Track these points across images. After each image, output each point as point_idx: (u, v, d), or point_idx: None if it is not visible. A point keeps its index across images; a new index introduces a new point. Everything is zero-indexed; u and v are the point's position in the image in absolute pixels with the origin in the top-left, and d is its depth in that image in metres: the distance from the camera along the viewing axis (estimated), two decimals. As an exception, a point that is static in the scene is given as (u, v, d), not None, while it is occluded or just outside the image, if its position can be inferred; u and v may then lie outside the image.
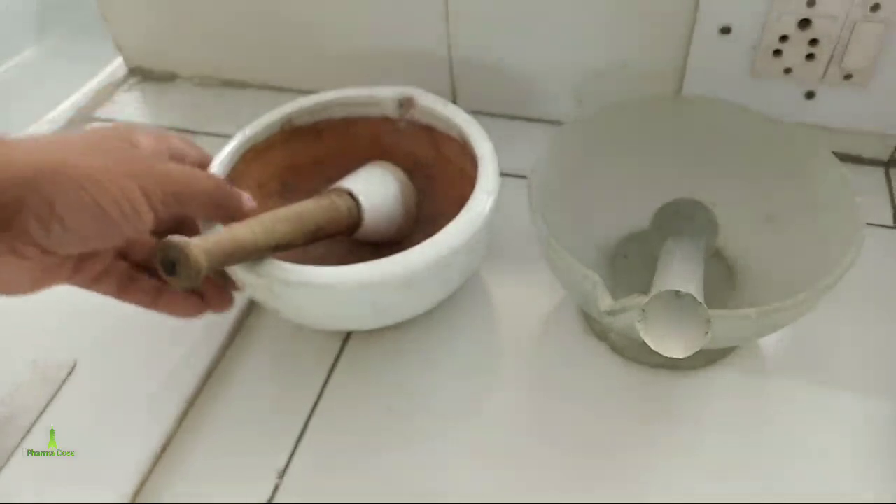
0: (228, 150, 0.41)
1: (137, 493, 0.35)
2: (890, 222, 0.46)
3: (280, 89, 0.61)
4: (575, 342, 0.40)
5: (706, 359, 0.39)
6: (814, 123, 0.49)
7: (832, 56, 0.45)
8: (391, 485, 0.35)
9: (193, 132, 0.57)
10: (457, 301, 0.41)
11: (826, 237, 0.35)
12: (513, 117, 0.55)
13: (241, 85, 0.62)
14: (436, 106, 0.41)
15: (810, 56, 0.46)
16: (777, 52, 0.46)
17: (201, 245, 0.30)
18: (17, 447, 0.36)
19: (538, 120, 0.55)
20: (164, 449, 0.36)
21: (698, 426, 0.37)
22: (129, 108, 0.62)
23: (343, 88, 0.43)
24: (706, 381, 0.39)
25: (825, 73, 0.46)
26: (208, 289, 0.37)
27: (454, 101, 0.49)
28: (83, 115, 0.61)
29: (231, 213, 0.36)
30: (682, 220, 0.40)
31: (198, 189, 0.34)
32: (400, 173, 0.42)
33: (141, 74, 0.65)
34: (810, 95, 0.48)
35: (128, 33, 0.63)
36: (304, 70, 0.57)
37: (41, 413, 0.38)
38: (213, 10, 0.56)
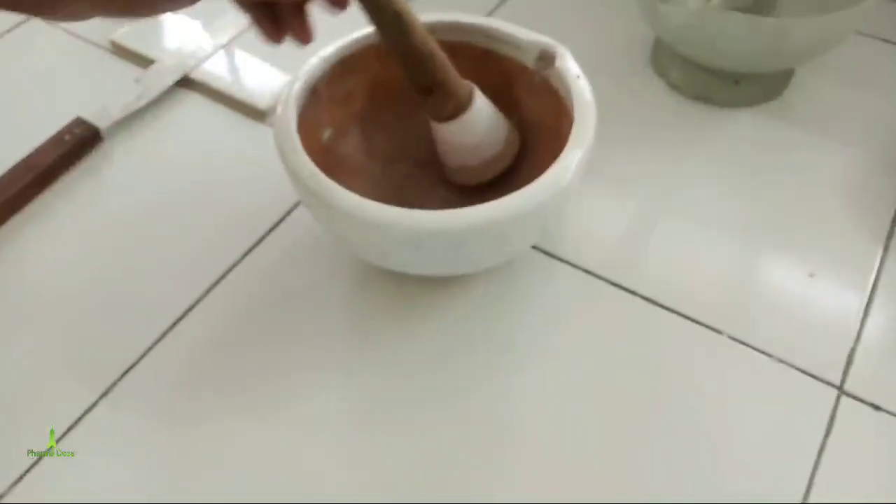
0: (352, 40, 0.43)
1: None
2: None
3: None
4: (639, 78, 0.54)
5: (744, 100, 0.51)
6: None
7: None
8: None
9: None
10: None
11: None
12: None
13: None
14: (569, 73, 0.40)
15: None
16: None
17: None
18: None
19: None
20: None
21: (719, 153, 0.49)
22: None
23: (489, 19, 0.43)
24: (739, 117, 0.51)
25: None
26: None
27: None
28: None
29: None
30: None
31: None
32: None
33: None
34: None
35: None
36: None
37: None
38: None
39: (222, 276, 0.43)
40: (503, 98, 0.44)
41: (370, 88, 0.45)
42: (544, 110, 0.42)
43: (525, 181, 0.36)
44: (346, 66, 0.43)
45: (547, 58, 0.41)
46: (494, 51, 0.43)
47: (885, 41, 0.56)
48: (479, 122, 0.40)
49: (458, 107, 0.39)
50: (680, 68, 0.52)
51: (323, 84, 0.42)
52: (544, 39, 0.41)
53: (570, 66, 0.40)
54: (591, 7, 0.60)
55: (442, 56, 0.38)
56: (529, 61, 0.42)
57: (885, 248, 0.44)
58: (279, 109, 0.39)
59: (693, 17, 0.45)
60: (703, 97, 0.51)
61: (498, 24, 0.43)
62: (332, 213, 0.36)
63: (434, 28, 0.42)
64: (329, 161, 0.42)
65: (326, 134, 0.43)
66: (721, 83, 0.51)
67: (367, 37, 0.43)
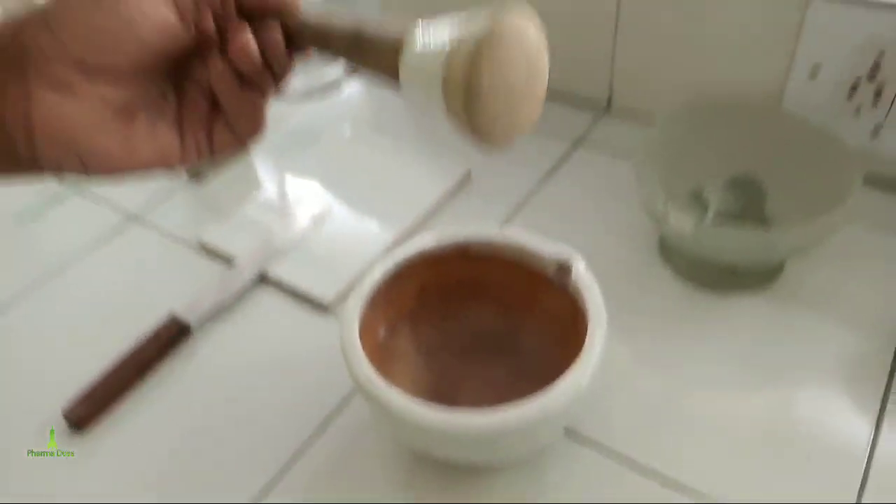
0: (404, 255, 0.51)
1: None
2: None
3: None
4: (648, 266, 0.61)
5: (743, 287, 0.58)
6: (881, 156, 0.65)
7: (892, 102, 0.62)
8: None
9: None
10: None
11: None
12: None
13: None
14: (584, 283, 0.47)
15: (876, 100, 0.63)
16: (850, 95, 0.64)
17: None
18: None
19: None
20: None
21: (726, 335, 0.55)
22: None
23: (516, 234, 0.51)
24: (740, 303, 0.58)
25: (887, 115, 0.63)
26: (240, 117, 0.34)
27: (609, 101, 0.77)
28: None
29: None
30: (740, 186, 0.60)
31: None
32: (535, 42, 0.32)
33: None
34: (875, 132, 0.65)
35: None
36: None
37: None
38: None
39: (287, 465, 0.50)
40: (529, 298, 0.52)
41: (419, 291, 0.53)
42: (564, 312, 0.49)
43: (549, 375, 0.43)
44: (400, 273, 0.51)
45: (564, 269, 0.49)
46: (520, 260, 0.51)
47: (871, 226, 0.63)
48: (441, 28, 0.32)
49: (399, 38, 0.33)
50: (684, 260, 0.60)
51: (381, 291, 0.50)
52: (562, 252, 0.49)
53: (584, 277, 0.48)
54: (603, 201, 0.68)
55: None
56: (550, 270, 0.50)
57: (877, 429, 0.49)
58: (344, 318, 0.47)
59: (690, 235, 0.52)
60: (706, 285, 0.58)
61: (523, 238, 0.51)
62: (384, 413, 0.43)
63: (473, 242, 0.52)
64: (383, 356, 0.50)
65: (381, 333, 0.51)
66: (721, 273, 0.58)
67: (419, 249, 0.51)
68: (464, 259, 0.52)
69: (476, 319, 0.54)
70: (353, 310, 0.48)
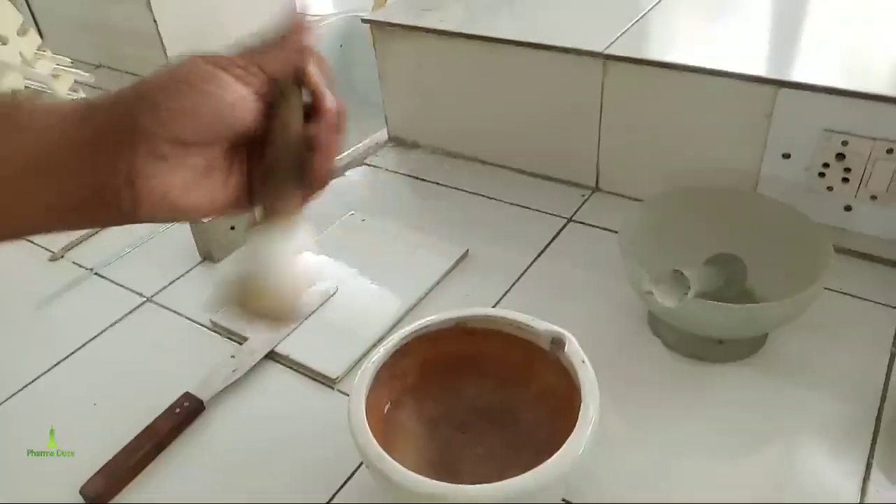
0: (407, 333, 0.54)
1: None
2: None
3: (485, 162, 0.93)
4: (638, 337, 0.65)
5: (729, 357, 0.61)
6: (855, 230, 0.70)
7: (860, 181, 0.67)
8: None
9: (423, 179, 0.92)
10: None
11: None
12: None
13: (460, 156, 0.96)
14: (577, 357, 0.50)
15: (845, 179, 0.67)
16: (821, 174, 0.68)
17: None
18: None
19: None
20: None
21: (714, 404, 0.58)
22: (385, 159, 0.98)
23: (512, 311, 0.55)
24: (726, 372, 0.61)
25: (856, 193, 0.67)
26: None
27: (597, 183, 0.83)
28: (356, 161, 0.98)
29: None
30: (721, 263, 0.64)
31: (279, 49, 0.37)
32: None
33: (395, 141, 1.01)
34: (848, 209, 0.69)
35: (394, 115, 1.00)
36: (502, 147, 0.91)
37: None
38: (447, 107, 0.94)
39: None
40: (525, 371, 0.55)
41: (421, 366, 0.56)
42: (558, 383, 0.52)
43: (546, 446, 0.45)
44: (403, 350, 0.54)
45: (558, 343, 0.52)
46: (517, 336, 0.54)
47: (849, 295, 0.67)
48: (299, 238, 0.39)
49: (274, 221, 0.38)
50: (672, 332, 0.63)
51: (385, 368, 0.53)
52: (555, 328, 0.52)
53: (576, 351, 0.51)
54: (594, 275, 0.72)
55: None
56: (545, 345, 0.53)
57: (863, 492, 0.51)
58: (351, 397, 0.49)
59: (675, 311, 0.56)
60: (694, 355, 0.61)
61: (520, 316, 0.54)
62: (391, 487, 0.45)
63: (471, 319, 0.55)
64: (388, 429, 0.52)
65: (387, 407, 0.54)
66: (707, 344, 0.61)
67: (420, 327, 0.55)
68: (462, 336, 0.56)
69: (475, 393, 0.57)
70: (360, 388, 0.50)
